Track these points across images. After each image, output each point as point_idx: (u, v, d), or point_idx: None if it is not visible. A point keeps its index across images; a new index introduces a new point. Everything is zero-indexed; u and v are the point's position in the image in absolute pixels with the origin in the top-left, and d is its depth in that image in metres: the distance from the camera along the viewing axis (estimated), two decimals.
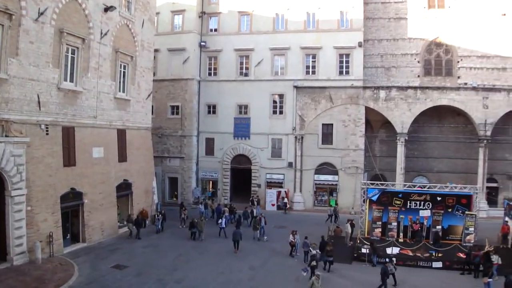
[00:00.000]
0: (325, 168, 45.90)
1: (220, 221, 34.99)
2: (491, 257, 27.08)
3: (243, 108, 48.05)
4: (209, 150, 48.93)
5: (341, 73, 46.44)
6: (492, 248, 30.08)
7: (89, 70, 31.11)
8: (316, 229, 32.67)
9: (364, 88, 45.90)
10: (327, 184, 46.30)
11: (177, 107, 48.49)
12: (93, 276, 24.70)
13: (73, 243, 30.23)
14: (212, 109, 49.06)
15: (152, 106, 42.01)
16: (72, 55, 29.67)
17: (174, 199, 48.46)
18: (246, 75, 48.09)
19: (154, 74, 42.66)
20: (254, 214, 38.03)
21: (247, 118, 47.71)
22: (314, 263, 26.03)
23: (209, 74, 49.40)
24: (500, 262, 26.84)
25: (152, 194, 39.83)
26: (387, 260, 27.08)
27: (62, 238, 28.35)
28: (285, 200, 45.10)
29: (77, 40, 29.69)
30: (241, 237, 31.72)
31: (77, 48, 29.87)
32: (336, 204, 42.68)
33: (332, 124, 45.74)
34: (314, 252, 27.61)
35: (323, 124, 45.95)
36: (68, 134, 29.43)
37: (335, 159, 45.53)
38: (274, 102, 47.24)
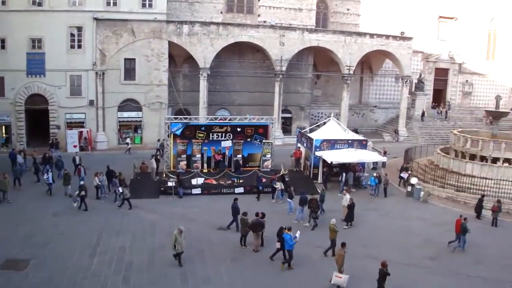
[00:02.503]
0: (129, 104, 44.50)
1: (46, 176, 30.19)
2: (276, 183, 30.03)
3: (37, 42, 42.87)
4: None
5: (144, 5, 44.34)
6: (287, 172, 33.16)
7: None
8: (121, 167, 31.87)
9: (168, 22, 44.90)
10: (131, 121, 45.20)
11: None
12: None
13: None
14: (0, 43, 43.26)
15: None
16: None
17: None
18: (39, 4, 42.29)
19: None
20: (77, 162, 34.26)
21: (42, 53, 42.93)
22: (83, 192, 26.55)
23: None
24: (283, 187, 29.93)
25: None
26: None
27: None
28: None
29: None
30: (22, 173, 31.01)
31: None
32: (162, 140, 41.16)
33: (134, 59, 43.99)
34: (82, 182, 27.74)
35: (125, 59, 43.88)
36: None
37: (139, 95, 44.37)
38: (72, 35, 43.17)
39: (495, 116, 40.10)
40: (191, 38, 45.10)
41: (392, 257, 20.42)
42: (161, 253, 21.02)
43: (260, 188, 30.60)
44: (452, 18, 63.30)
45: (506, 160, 33.52)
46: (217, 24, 46.83)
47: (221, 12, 50.55)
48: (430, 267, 21.24)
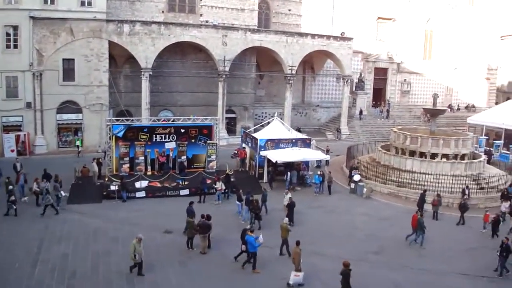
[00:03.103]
0: (68, 106, 42.82)
1: None
2: (216, 183, 29.85)
3: None
4: None
5: (83, 4, 42.73)
6: (232, 172, 33.23)
7: None
8: (62, 172, 30.85)
9: (108, 21, 43.58)
10: (71, 123, 43.55)
11: None
12: None
13: None
14: None
15: None
16: None
17: None
18: None
19: None
20: (18, 169, 32.41)
21: None
22: (13, 197, 25.84)
23: None
24: (223, 188, 29.97)
25: None
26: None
27: None
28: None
29: None
30: None
31: None
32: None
33: (73, 59, 42.38)
34: (11, 187, 26.70)
35: (64, 59, 42.17)
36: None
37: (79, 97, 42.79)
38: (8, 34, 40.98)
39: (433, 113, 41.69)
40: (132, 37, 44.19)
41: (338, 253, 21.01)
42: (106, 260, 20.53)
43: (205, 190, 30.34)
44: (390, 19, 65.41)
45: (444, 156, 35.08)
46: (159, 23, 46.07)
47: (163, 12, 49.88)
48: (376, 261, 21.89)
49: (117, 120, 35.08)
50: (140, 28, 44.41)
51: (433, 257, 22.99)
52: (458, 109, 71.09)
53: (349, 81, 55.96)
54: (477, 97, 74.35)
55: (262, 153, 34.29)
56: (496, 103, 72.50)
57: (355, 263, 20.32)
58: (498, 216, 26.12)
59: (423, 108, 51.17)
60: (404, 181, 33.56)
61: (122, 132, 33.78)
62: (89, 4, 43.04)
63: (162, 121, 37.16)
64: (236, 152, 41.36)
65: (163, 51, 45.48)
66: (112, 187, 29.68)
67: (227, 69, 47.73)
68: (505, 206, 28.34)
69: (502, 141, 48.37)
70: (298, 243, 19.24)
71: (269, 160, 33.88)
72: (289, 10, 60.00)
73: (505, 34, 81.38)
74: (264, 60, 54.96)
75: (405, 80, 68.23)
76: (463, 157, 35.80)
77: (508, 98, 73.30)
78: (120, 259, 20.24)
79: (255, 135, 36.94)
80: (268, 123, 40.43)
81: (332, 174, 35.05)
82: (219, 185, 29.73)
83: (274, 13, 59.42)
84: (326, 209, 30.02)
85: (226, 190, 30.44)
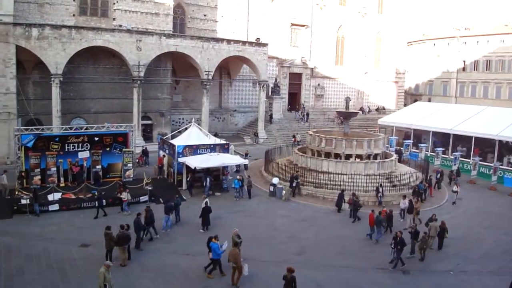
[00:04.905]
0: None
1: None
2: (123, 193, 28.95)
3: None
4: None
5: None
6: (150, 180, 32.56)
7: None
8: None
9: (15, 24, 41.24)
10: None
11: None
12: None
13: None
14: None
15: None
16: None
17: None
18: None
19: None
20: None
21: None
22: None
23: None
24: (129, 198, 29.17)
25: None
26: None
27: None
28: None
29: None
30: None
31: None
32: None
33: None
34: None
35: None
36: None
37: None
38: None
39: (346, 116, 43.33)
40: (41, 42, 42.16)
41: (261, 255, 21.34)
42: (20, 279, 19.36)
43: (102, 203, 28.48)
44: (303, 25, 67.43)
45: (358, 156, 36.65)
46: (70, 27, 44.17)
47: (74, 15, 47.99)
48: (298, 262, 22.11)
49: (26, 130, 33.37)
50: (49, 32, 42.47)
51: (353, 254, 23.98)
52: (369, 111, 74.62)
53: (265, 86, 56.84)
54: (387, 100, 78.68)
55: (181, 159, 33.95)
56: (405, 105, 77.12)
57: (278, 265, 20.78)
58: (391, 211, 27.35)
59: (336, 111, 53.02)
60: (321, 182, 34.57)
61: (32, 142, 32.10)
62: None
63: (75, 129, 35.64)
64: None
65: (74, 56, 43.74)
66: (23, 201, 27.94)
67: (142, 74, 46.85)
68: (403, 203, 29.67)
69: (411, 141, 51.43)
70: (236, 244, 20.38)
71: (187, 167, 33.60)
72: (205, 15, 59.92)
73: (412, 40, 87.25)
74: (180, 65, 54.54)
75: (318, 84, 70.60)
76: (375, 157, 37.62)
77: (415, 100, 78.64)
78: (35, 278, 19.25)
79: (172, 141, 36.55)
80: (186, 129, 40.20)
81: (251, 178, 35.45)
82: (125, 196, 28.87)
83: (190, 18, 59.08)
84: (247, 213, 30.29)
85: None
